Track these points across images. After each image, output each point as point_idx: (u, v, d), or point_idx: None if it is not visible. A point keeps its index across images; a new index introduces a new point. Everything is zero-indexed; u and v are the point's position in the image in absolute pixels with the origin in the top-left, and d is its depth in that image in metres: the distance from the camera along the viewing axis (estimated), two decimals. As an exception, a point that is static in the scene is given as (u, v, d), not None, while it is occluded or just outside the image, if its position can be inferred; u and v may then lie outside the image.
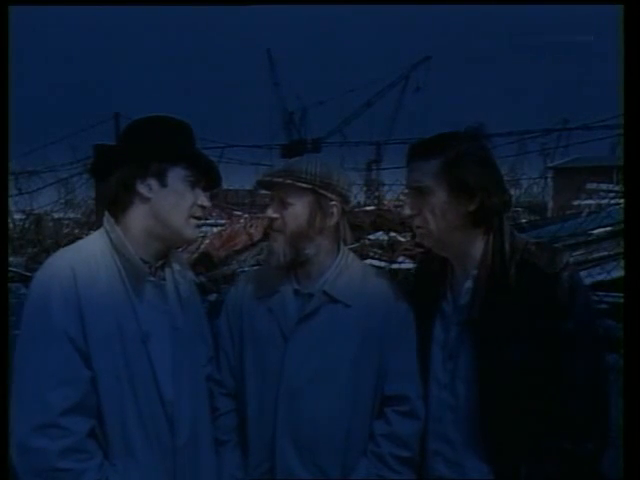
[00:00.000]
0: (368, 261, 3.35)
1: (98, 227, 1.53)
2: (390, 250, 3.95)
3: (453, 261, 1.61)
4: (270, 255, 1.64)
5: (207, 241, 4.75)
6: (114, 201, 1.49)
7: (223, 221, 6.05)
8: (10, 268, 4.02)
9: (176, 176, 1.49)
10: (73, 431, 1.34)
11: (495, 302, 1.48)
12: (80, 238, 1.68)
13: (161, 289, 1.52)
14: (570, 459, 1.43)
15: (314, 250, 1.62)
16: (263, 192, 1.75)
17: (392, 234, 4.18)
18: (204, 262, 4.27)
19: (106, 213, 1.49)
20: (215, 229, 5.41)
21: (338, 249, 1.67)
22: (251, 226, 5.04)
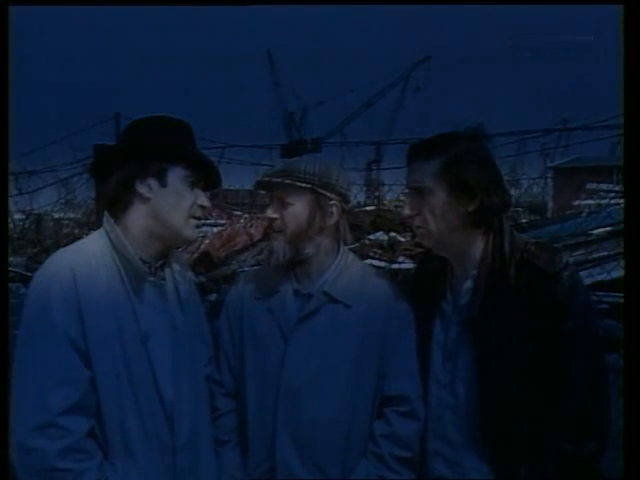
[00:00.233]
0: (368, 261, 3.35)
1: (98, 227, 1.53)
2: (390, 250, 3.95)
3: (453, 261, 1.61)
4: (270, 254, 1.64)
5: (207, 241, 4.75)
6: (114, 201, 1.49)
7: (223, 221, 6.05)
8: (10, 268, 4.02)
9: (176, 176, 1.48)
10: (73, 431, 1.34)
11: (495, 302, 1.48)
12: (80, 238, 1.68)
13: (161, 289, 1.52)
14: (570, 459, 1.43)
15: (314, 250, 1.62)
16: (263, 192, 1.75)
17: (392, 234, 4.18)
18: (204, 262, 4.27)
19: (106, 213, 1.49)
20: (215, 229, 5.40)
21: (338, 249, 1.67)
22: (251, 226, 5.03)
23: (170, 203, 1.48)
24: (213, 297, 3.11)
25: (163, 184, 1.47)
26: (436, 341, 1.60)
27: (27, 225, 8.80)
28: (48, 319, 1.35)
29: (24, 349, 1.37)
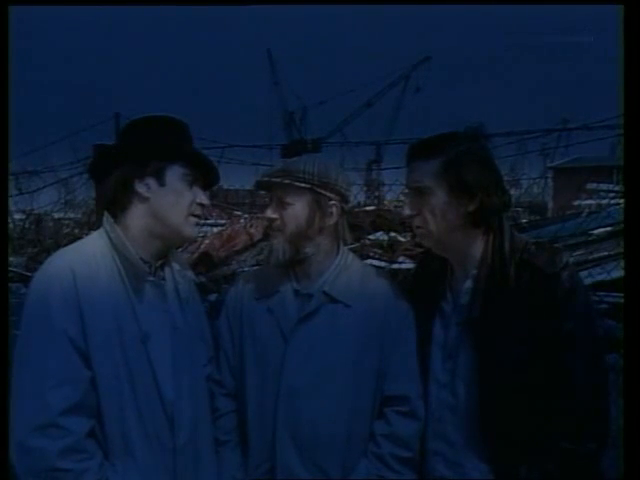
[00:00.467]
0: (368, 261, 3.35)
1: (98, 227, 1.53)
2: (390, 250, 3.95)
3: (453, 261, 1.61)
4: (270, 254, 1.64)
5: (207, 241, 4.75)
6: (113, 201, 1.49)
7: (223, 221, 6.05)
8: (10, 268, 4.02)
9: (174, 175, 1.48)
10: (73, 431, 1.34)
11: (495, 302, 1.48)
12: (80, 238, 1.68)
13: (161, 289, 1.52)
14: (570, 459, 1.42)
15: (314, 250, 1.62)
16: (263, 192, 1.75)
17: (392, 234, 4.19)
18: (204, 262, 4.27)
19: (105, 213, 1.49)
20: (215, 229, 5.40)
21: (338, 249, 1.67)
22: (251, 226, 5.03)
23: (169, 202, 1.48)
24: (213, 297, 3.11)
25: (161, 183, 1.47)
26: (436, 341, 1.60)
27: (27, 225, 8.80)
28: (48, 319, 1.35)
29: (24, 349, 1.37)
